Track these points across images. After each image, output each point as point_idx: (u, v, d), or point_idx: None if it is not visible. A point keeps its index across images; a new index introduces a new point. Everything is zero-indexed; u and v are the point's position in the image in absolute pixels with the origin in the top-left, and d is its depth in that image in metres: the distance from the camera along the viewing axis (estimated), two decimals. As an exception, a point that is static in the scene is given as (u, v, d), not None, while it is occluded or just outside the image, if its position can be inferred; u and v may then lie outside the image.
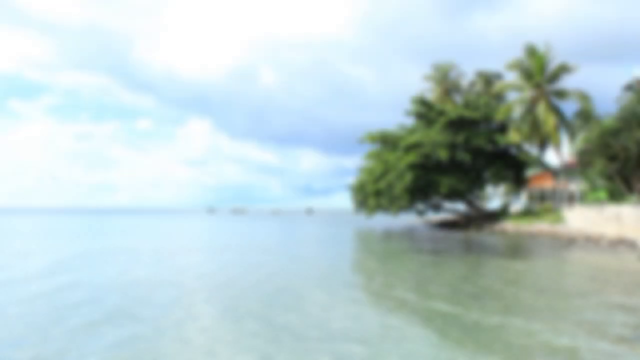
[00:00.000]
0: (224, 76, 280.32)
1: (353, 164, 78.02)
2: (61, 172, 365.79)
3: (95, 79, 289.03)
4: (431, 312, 11.40)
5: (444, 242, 32.79)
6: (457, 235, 38.94)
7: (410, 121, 55.51)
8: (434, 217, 63.84)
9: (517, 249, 28.63)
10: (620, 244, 26.39)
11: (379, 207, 52.69)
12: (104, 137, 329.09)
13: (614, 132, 36.56)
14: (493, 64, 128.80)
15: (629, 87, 38.79)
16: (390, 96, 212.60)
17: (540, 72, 43.99)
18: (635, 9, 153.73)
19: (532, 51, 44.19)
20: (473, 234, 40.24)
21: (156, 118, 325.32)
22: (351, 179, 60.84)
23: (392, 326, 10.14)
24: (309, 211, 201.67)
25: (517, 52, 46.26)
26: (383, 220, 66.49)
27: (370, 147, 57.88)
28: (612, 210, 32.57)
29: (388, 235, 40.93)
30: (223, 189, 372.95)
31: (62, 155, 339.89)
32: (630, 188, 37.21)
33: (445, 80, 61.47)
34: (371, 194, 52.13)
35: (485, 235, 38.67)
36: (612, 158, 37.40)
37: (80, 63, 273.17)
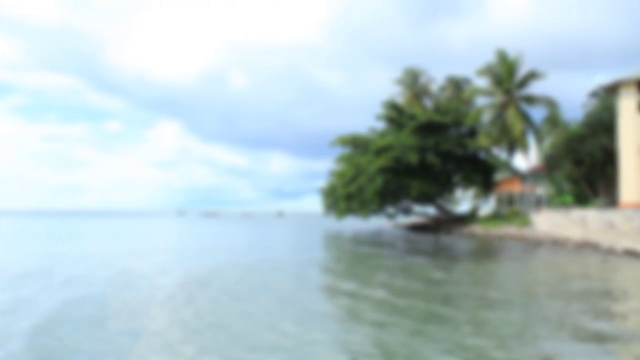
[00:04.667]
0: (195, 79, 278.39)
1: (323, 167, 78.40)
2: (28, 173, 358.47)
3: (64, 80, 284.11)
4: (401, 310, 11.42)
5: (414, 245, 32.97)
6: (427, 238, 39.20)
7: (381, 125, 55.84)
8: (404, 220, 64.24)
9: (485, 251, 28.94)
10: (585, 246, 26.87)
11: (349, 211, 52.83)
12: (72, 139, 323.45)
13: (580, 138, 37.34)
14: (459, 70, 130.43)
15: (594, 94, 39.66)
16: (360, 100, 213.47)
17: (509, 78, 44.64)
18: (599, 19, 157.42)
19: (502, 57, 44.82)
20: (443, 237, 40.56)
21: (125, 120, 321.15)
22: (322, 182, 61.01)
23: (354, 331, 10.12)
24: (280, 214, 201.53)
25: (483, 59, 47.14)
26: (353, 224, 66.68)
27: (341, 151, 58.06)
28: (578, 213, 33.17)
29: (358, 238, 40.99)
30: (193, 192, 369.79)
31: (30, 156, 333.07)
32: (595, 192, 37.98)
33: (415, 84, 61.96)
34: (342, 197, 52.22)
35: (455, 238, 39.01)
36: (578, 163, 38.19)
37: (48, 64, 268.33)
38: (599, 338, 9.18)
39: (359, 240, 38.29)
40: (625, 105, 31.52)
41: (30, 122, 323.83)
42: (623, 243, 24.50)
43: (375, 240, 37.48)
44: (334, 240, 39.43)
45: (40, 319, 10.37)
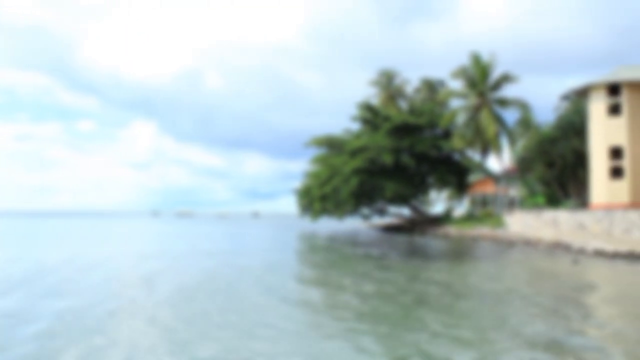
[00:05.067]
0: (170, 79, 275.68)
1: (299, 168, 78.32)
2: None
3: (36, 78, 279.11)
4: (371, 313, 11.40)
5: (389, 245, 33.06)
6: (402, 239, 39.35)
7: (356, 126, 55.97)
8: (379, 221, 64.43)
9: (459, 252, 29.15)
10: (557, 247, 27.23)
11: (324, 211, 52.80)
12: (44, 138, 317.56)
13: (551, 140, 37.84)
14: (434, 72, 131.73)
15: (565, 98, 40.23)
16: (336, 101, 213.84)
17: (483, 80, 45.06)
18: (570, 24, 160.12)
19: (476, 60, 45.20)
20: (417, 238, 40.76)
21: (99, 120, 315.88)
22: (297, 183, 60.87)
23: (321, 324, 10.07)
24: (255, 215, 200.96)
25: (457, 62, 47.47)
26: (328, 224, 66.68)
27: (316, 152, 57.99)
28: (550, 215, 33.61)
29: (333, 239, 41.00)
30: (168, 192, 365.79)
31: (1, 156, 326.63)
32: (566, 193, 38.54)
33: (390, 86, 62.22)
34: (317, 198, 52.15)
35: (429, 239, 39.23)
36: (550, 165, 38.70)
37: (19, 62, 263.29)
38: (565, 336, 9.28)
39: (334, 241, 38.31)
40: (595, 108, 32.03)
41: (1, 121, 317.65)
42: (593, 243, 24.89)
43: (350, 242, 37.52)
44: (308, 242, 39.37)
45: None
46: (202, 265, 21.31)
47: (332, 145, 55.46)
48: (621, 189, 30.76)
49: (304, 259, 25.64)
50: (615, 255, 22.37)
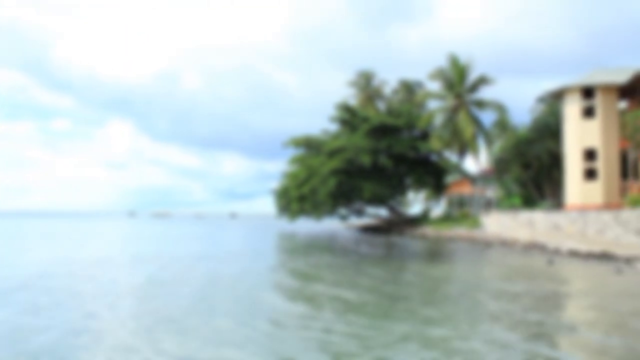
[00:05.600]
0: (147, 78, 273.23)
1: (276, 168, 78.24)
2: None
3: (9, 76, 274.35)
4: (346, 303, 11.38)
5: (367, 246, 33.13)
6: (380, 240, 39.46)
7: (334, 127, 56.04)
8: (357, 221, 64.59)
9: (436, 253, 29.32)
10: (533, 247, 27.53)
11: (302, 212, 52.78)
12: (18, 137, 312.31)
13: (528, 142, 38.28)
14: (412, 73, 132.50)
15: (541, 100, 40.73)
16: (315, 102, 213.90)
17: (461, 82, 45.43)
18: (546, 28, 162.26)
19: (454, 62, 45.55)
20: (395, 239, 40.92)
21: (75, 119, 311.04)
22: (275, 184, 60.77)
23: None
24: (233, 215, 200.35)
25: (435, 64, 47.73)
26: (306, 225, 66.64)
27: (294, 152, 57.92)
28: (526, 215, 33.98)
29: (311, 240, 40.96)
30: (145, 192, 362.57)
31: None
32: (542, 194, 39.00)
33: (368, 87, 62.41)
34: (294, 199, 52.09)
35: (407, 240, 39.41)
36: (526, 166, 39.14)
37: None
38: (538, 333, 9.37)
39: (311, 243, 38.26)
40: (570, 110, 32.46)
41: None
42: (568, 244, 25.21)
43: (328, 243, 37.51)
44: (285, 245, 39.29)
45: None
46: (167, 272, 18.78)
47: (310, 145, 55.44)
48: (595, 190, 31.22)
49: (280, 264, 25.37)
50: (589, 256, 22.67)
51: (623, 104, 33.58)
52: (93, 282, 16.26)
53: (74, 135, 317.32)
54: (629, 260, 20.31)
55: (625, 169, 31.21)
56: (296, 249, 32.80)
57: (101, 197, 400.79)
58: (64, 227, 66.43)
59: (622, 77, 30.76)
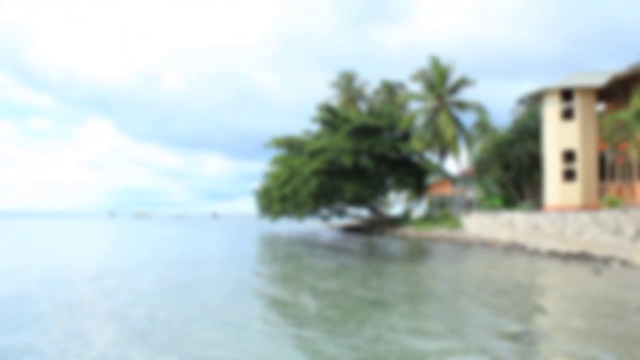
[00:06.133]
0: (128, 78, 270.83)
1: (258, 169, 78.06)
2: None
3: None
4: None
5: (348, 246, 33.18)
6: (361, 240, 39.55)
7: (315, 127, 56.05)
8: (338, 222, 64.67)
9: (418, 253, 29.45)
10: (513, 248, 27.78)
11: (283, 212, 52.71)
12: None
13: (508, 143, 38.62)
14: (394, 75, 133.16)
15: (521, 102, 41.17)
16: (296, 103, 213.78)
17: (442, 83, 45.68)
18: (526, 31, 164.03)
19: (435, 63, 45.80)
20: (376, 239, 41.04)
21: (54, 118, 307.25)
22: (256, 184, 60.55)
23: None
24: (214, 216, 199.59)
25: (417, 65, 48.10)
26: (287, 225, 66.56)
27: (275, 152, 57.79)
28: (506, 216, 34.28)
29: (293, 240, 40.94)
30: (125, 193, 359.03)
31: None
32: (522, 195, 39.37)
33: (350, 87, 62.51)
34: (276, 199, 51.99)
35: (388, 240, 39.54)
36: (506, 167, 39.49)
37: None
38: (518, 333, 9.46)
39: (293, 243, 38.23)
40: (549, 112, 32.83)
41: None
42: (547, 244, 25.49)
43: (310, 243, 37.51)
44: (267, 246, 39.23)
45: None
46: (139, 282, 16.64)
47: (291, 146, 55.36)
48: (573, 191, 31.61)
49: (260, 269, 25.21)
50: (567, 256, 22.93)
51: (601, 107, 34.05)
52: (42, 297, 13.47)
53: (53, 135, 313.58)
54: (606, 261, 20.58)
55: (603, 171, 31.65)
56: (277, 249, 32.77)
57: (81, 198, 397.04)
58: (39, 228, 65.59)
59: (600, 80, 31.18)
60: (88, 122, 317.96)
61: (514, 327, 10.02)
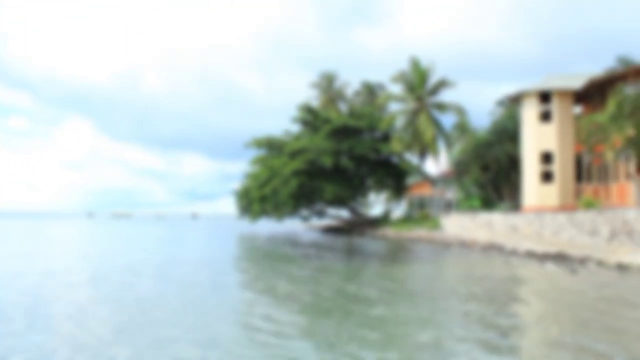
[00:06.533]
0: (108, 78, 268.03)
1: (238, 169, 77.79)
2: None
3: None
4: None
5: (328, 247, 33.18)
6: (341, 241, 39.58)
7: (296, 128, 56.03)
8: (318, 222, 64.67)
9: (397, 253, 29.54)
10: (491, 248, 27.99)
11: (263, 213, 52.55)
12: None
13: (486, 145, 38.90)
14: (374, 76, 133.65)
15: (500, 103, 41.51)
16: (277, 103, 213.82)
17: (422, 85, 45.93)
18: (506, 34, 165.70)
19: (415, 65, 46.03)
20: (356, 239, 41.10)
21: (32, 117, 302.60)
22: (236, 184, 60.33)
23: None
24: (194, 216, 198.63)
25: (396, 66, 48.43)
26: (267, 226, 66.38)
27: (256, 153, 57.64)
28: (484, 217, 34.54)
29: (272, 240, 40.84)
30: (104, 193, 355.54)
31: None
32: (500, 197, 39.70)
33: (331, 88, 62.66)
34: (256, 200, 51.84)
35: (368, 241, 39.61)
36: (485, 168, 39.77)
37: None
38: (496, 332, 9.52)
39: (273, 245, 38.12)
40: (528, 114, 33.14)
41: None
42: (525, 245, 25.73)
43: (290, 245, 37.42)
44: (247, 247, 39.08)
45: None
46: (102, 289, 14.99)
47: (272, 146, 55.28)
48: (551, 193, 31.95)
49: (239, 275, 24.98)
50: (545, 256, 23.17)
51: (578, 109, 34.46)
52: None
53: (31, 134, 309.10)
54: (582, 261, 20.83)
55: (580, 172, 32.04)
56: (257, 251, 32.66)
57: (59, 198, 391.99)
58: (11, 229, 64.60)
59: (577, 82, 31.57)
60: (67, 121, 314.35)
61: (493, 321, 10.09)
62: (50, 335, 9.56)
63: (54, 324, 10.46)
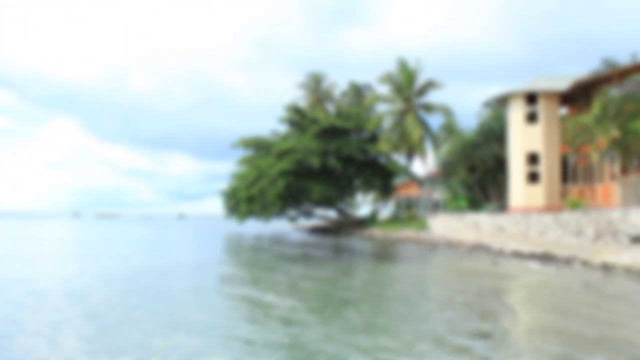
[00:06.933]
0: (94, 77, 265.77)
1: (225, 169, 77.46)
2: None
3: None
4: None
5: (316, 247, 33.19)
6: (329, 241, 39.60)
7: (283, 128, 55.99)
8: (305, 223, 64.62)
9: (384, 254, 29.62)
10: (478, 248, 28.15)
11: (251, 213, 52.43)
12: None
13: (473, 145, 39.09)
14: (361, 76, 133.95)
15: (487, 105, 41.73)
16: (265, 103, 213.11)
17: (409, 86, 46.05)
18: (493, 36, 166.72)
19: (403, 66, 46.15)
20: (344, 240, 41.15)
21: (17, 116, 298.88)
22: (223, 185, 60.10)
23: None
24: (181, 216, 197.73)
25: (384, 67, 48.52)
26: (255, 226, 66.20)
27: (243, 153, 57.50)
28: (471, 218, 34.72)
29: (260, 240, 40.78)
30: (90, 193, 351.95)
31: None
32: (487, 197, 39.92)
33: (318, 89, 62.63)
34: (243, 200, 51.72)
35: (355, 241, 39.67)
36: (472, 169, 39.96)
37: None
38: (480, 331, 9.59)
39: (261, 246, 38.07)
40: (514, 115, 33.36)
41: None
42: (511, 245, 25.92)
43: (277, 245, 37.42)
44: (234, 249, 38.99)
45: None
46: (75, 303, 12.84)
47: (259, 146, 55.19)
48: (537, 193, 32.19)
49: (224, 279, 24.69)
50: (531, 256, 23.35)
51: (564, 111, 34.76)
52: None
53: (16, 134, 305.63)
54: (568, 261, 21.01)
55: (566, 173, 32.32)
56: (246, 253, 32.61)
57: (44, 198, 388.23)
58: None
59: (563, 84, 31.83)
60: (53, 121, 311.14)
61: (478, 324, 10.15)
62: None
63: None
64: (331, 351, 8.20)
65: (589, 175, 30.36)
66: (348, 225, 52.98)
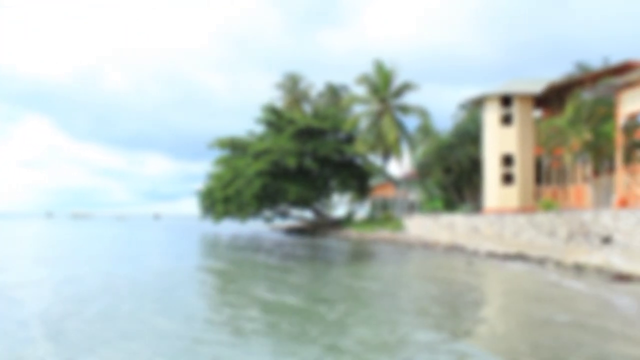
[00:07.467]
0: (68, 76, 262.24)
1: (201, 169, 77.00)
2: None
3: None
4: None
5: (292, 247, 33.12)
6: (305, 241, 39.55)
7: (260, 128, 55.80)
8: (281, 223, 64.50)
9: (359, 254, 29.66)
10: (453, 249, 28.34)
11: (226, 213, 52.16)
12: None
13: (449, 147, 39.39)
14: (338, 77, 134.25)
15: (462, 107, 42.04)
16: (240, 103, 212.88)
17: (385, 87, 46.28)
18: (468, 39, 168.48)
19: (379, 67, 46.35)
20: (319, 240, 41.13)
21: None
22: (199, 185, 59.70)
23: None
24: (156, 216, 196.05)
25: (360, 68, 48.70)
26: (231, 226, 65.85)
27: (219, 153, 57.18)
28: (447, 218, 34.96)
29: (236, 241, 40.57)
30: (64, 193, 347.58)
31: None
32: (462, 198, 40.26)
33: (295, 89, 62.58)
34: (219, 200, 51.43)
35: (331, 241, 39.69)
36: (447, 170, 40.27)
37: None
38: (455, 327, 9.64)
39: (236, 246, 37.88)
40: (489, 117, 33.68)
41: None
42: (486, 246, 26.13)
43: (253, 246, 37.26)
44: (209, 250, 38.76)
45: None
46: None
47: (235, 147, 54.93)
48: (511, 195, 32.54)
49: (201, 284, 24.47)
50: (505, 257, 23.56)
51: (538, 113, 35.20)
52: None
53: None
54: (541, 261, 21.25)
55: (540, 175, 32.72)
56: (224, 253, 32.40)
57: (16, 197, 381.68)
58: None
59: (537, 87, 32.21)
60: (25, 119, 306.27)
61: (452, 321, 10.20)
62: None
63: None
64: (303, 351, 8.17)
65: (562, 177, 30.79)
66: (324, 225, 53.00)
